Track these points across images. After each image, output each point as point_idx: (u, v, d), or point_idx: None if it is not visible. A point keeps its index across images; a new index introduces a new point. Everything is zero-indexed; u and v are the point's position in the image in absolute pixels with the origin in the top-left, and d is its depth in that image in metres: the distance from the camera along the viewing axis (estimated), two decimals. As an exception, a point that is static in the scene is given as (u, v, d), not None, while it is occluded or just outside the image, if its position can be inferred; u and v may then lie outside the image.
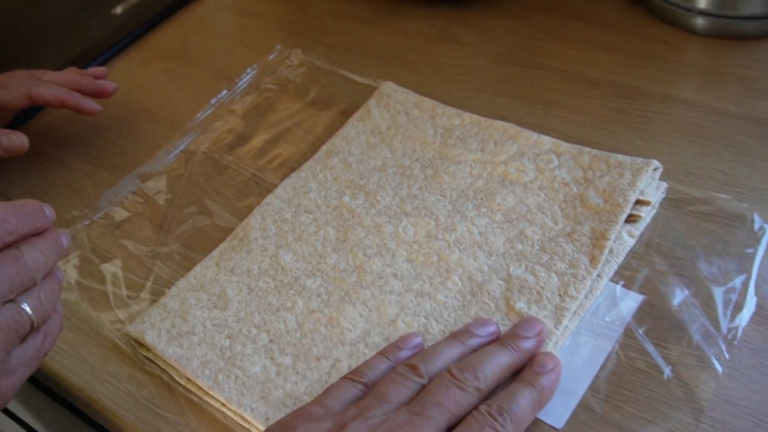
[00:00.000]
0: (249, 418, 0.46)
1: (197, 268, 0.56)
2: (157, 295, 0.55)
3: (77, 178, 0.66)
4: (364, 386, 0.43)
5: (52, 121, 0.73)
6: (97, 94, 0.68)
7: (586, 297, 0.49)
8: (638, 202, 0.53)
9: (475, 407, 0.41)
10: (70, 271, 0.57)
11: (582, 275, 0.49)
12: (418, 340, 0.47)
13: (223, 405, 0.48)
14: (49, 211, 0.43)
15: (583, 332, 0.48)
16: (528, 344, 0.45)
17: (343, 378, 0.45)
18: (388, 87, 0.67)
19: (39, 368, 0.52)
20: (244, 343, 0.50)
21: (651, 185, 0.54)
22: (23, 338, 0.41)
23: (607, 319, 0.48)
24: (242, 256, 0.56)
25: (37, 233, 0.42)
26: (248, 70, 0.72)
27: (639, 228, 0.52)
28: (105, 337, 0.53)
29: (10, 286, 0.39)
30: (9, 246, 0.40)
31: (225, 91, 0.71)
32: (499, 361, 0.43)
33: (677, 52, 0.67)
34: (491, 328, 0.47)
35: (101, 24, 0.84)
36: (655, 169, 0.54)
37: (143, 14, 0.84)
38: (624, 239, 0.52)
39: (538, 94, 0.65)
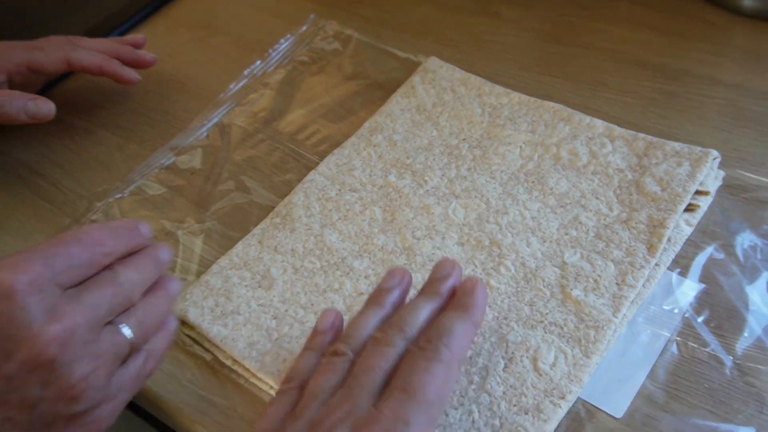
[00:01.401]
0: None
1: (239, 246, 0.54)
2: (195, 274, 0.54)
3: (106, 151, 0.64)
4: (297, 390, 0.40)
5: (77, 89, 0.71)
6: (136, 64, 0.66)
7: (643, 286, 0.48)
8: (697, 192, 0.52)
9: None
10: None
11: (640, 264, 0.48)
12: (330, 318, 0.44)
13: (272, 388, 0.47)
14: (145, 228, 0.42)
15: (639, 320, 0.47)
16: (448, 285, 0.42)
17: (277, 392, 0.43)
18: (433, 63, 0.65)
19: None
20: (291, 324, 0.49)
21: (710, 175, 0.52)
22: (124, 361, 0.39)
23: (665, 307, 0.47)
24: (286, 235, 0.54)
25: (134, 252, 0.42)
26: (281, 40, 0.70)
27: (696, 218, 0.51)
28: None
29: (109, 308, 0.38)
30: (105, 268, 0.39)
31: (258, 62, 0.69)
32: (424, 310, 0.41)
33: (726, 34, 0.65)
34: (399, 275, 0.44)
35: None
36: (714, 159, 0.53)
37: (167, -19, 0.81)
38: (681, 228, 0.51)
39: (584, 74, 0.63)
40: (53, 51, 0.62)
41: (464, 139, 0.59)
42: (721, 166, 0.54)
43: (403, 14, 0.73)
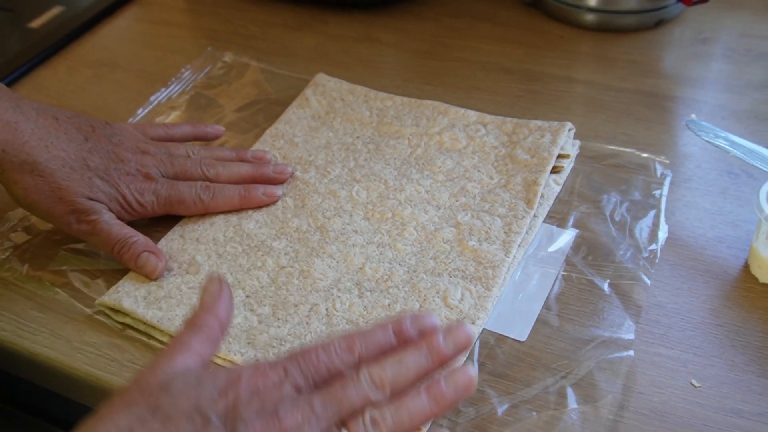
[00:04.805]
0: (239, 362, 0.49)
1: (162, 241, 0.58)
2: (120, 273, 0.56)
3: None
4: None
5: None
6: (276, 182, 0.62)
7: (527, 233, 0.56)
8: (559, 156, 0.61)
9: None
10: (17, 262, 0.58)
11: (522, 215, 0.56)
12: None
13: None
14: (429, 320, 0.40)
15: (531, 264, 0.54)
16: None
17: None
18: (321, 78, 0.72)
19: (6, 349, 0.53)
20: (221, 300, 0.53)
21: (568, 142, 0.62)
22: None
23: (550, 251, 0.55)
24: (206, 227, 0.58)
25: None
26: (182, 70, 0.76)
27: (562, 177, 0.60)
28: (77, 311, 0.54)
29: (337, 410, 0.37)
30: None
31: (163, 90, 0.73)
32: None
33: (573, 43, 0.77)
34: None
35: (18, 39, 0.84)
36: (570, 130, 0.63)
37: (62, 28, 0.85)
38: (552, 186, 0.59)
39: (460, 81, 0.73)
40: (193, 202, 0.58)
41: (358, 137, 0.66)
42: (581, 141, 0.63)
43: (294, 45, 0.80)
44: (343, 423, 0.37)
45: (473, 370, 0.39)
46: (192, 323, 0.40)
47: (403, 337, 0.40)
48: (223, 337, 0.41)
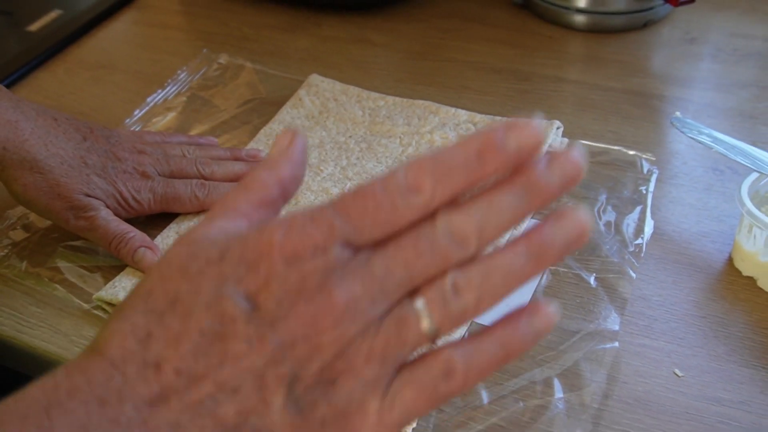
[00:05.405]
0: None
1: (158, 238, 0.59)
2: (117, 269, 0.57)
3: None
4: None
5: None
6: None
7: (514, 229, 0.57)
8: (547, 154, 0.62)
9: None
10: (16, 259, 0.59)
11: (512, 212, 0.57)
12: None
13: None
14: (532, 131, 0.27)
15: (518, 258, 0.56)
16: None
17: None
18: (314, 78, 0.73)
19: (6, 344, 0.54)
20: (215, 295, 0.54)
21: (556, 140, 0.63)
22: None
23: (537, 246, 0.56)
24: (201, 225, 0.60)
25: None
26: (178, 71, 0.77)
27: (551, 175, 0.62)
28: (75, 307, 0.55)
29: (405, 275, 0.27)
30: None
31: (160, 91, 0.75)
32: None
33: (562, 44, 0.78)
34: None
35: (17, 42, 0.86)
36: (558, 128, 0.64)
37: (60, 31, 0.86)
38: (541, 184, 0.61)
39: (451, 81, 0.74)
40: (188, 196, 0.59)
41: (350, 137, 0.67)
42: (570, 139, 0.65)
43: (287, 46, 0.82)
44: (416, 292, 0.27)
45: (586, 214, 0.28)
46: (243, 182, 0.31)
47: (491, 160, 0.27)
48: (284, 203, 0.31)
